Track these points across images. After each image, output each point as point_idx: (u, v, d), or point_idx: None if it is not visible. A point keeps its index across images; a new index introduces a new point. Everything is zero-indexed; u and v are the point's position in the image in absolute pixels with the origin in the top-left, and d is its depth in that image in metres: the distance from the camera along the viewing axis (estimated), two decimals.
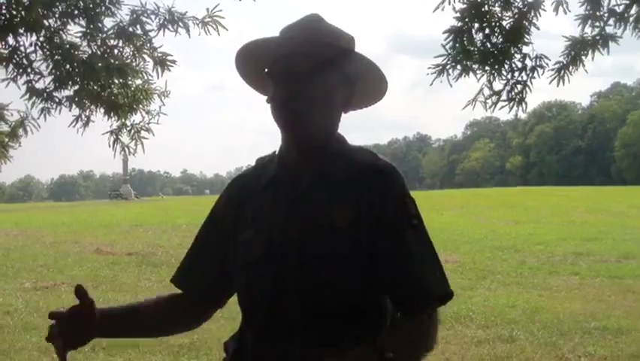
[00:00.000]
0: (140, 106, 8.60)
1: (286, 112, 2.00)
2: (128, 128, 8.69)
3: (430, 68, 7.62)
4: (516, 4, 7.65)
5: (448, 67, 7.60)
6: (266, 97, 2.10)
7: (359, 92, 2.12)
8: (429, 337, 1.95)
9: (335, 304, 1.94)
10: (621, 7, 7.38)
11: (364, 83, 2.10)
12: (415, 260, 1.95)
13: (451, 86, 7.64)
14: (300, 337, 1.93)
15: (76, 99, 8.16)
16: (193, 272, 2.31)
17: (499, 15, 7.67)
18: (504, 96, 7.80)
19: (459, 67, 7.62)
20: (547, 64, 7.68)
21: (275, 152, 2.18)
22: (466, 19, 7.56)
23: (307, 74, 1.96)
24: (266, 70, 2.08)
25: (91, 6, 7.73)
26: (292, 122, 2.01)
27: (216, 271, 2.20)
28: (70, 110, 8.25)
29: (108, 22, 7.85)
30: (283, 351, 1.94)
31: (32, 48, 7.81)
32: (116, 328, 2.21)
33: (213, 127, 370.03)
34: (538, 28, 7.64)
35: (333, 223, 1.95)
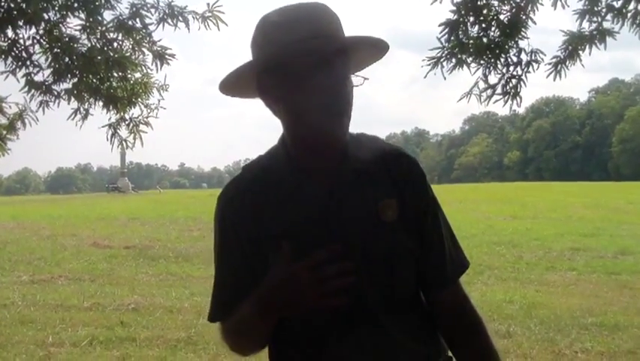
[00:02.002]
0: (139, 100, 8.60)
1: (330, 103, 1.84)
2: (126, 122, 8.70)
3: (424, 60, 7.64)
4: None
5: (442, 60, 7.62)
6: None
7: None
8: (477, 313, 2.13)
9: (409, 294, 2.02)
10: (619, 3, 7.40)
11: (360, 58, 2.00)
12: (446, 239, 2.09)
13: (445, 78, 7.68)
14: (384, 332, 1.94)
15: (75, 92, 8.16)
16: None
17: (497, 9, 7.68)
18: (499, 90, 7.82)
19: (454, 60, 7.64)
20: (542, 59, 7.71)
21: (261, 157, 2.07)
22: (462, 12, 7.57)
23: (331, 65, 1.83)
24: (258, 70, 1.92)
25: None
26: (336, 112, 1.87)
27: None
28: (69, 104, 8.26)
29: (108, 16, 7.84)
30: (372, 350, 1.94)
31: (31, 41, 7.81)
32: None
33: (211, 121, 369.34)
34: (535, 23, 7.66)
35: (381, 219, 1.93)
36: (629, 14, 7.38)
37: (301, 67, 1.83)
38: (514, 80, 7.76)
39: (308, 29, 1.83)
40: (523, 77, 7.74)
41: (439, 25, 7.57)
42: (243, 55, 2.04)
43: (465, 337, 2.08)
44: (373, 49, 1.99)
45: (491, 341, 2.11)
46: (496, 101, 7.81)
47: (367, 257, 1.89)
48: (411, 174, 2.01)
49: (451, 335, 2.10)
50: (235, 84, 2.00)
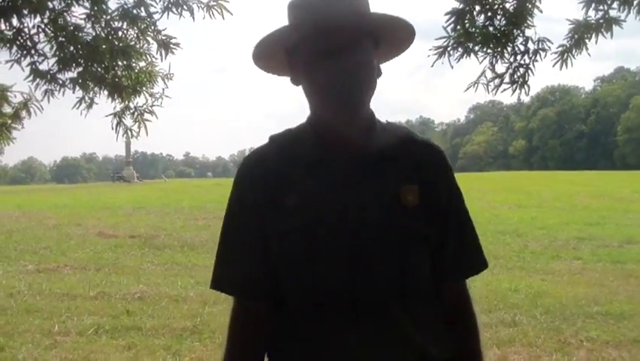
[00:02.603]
0: (144, 88, 8.58)
1: (340, 89, 1.85)
2: (131, 111, 8.68)
3: (430, 49, 7.60)
4: None
5: (449, 49, 7.58)
6: (290, 78, 2.03)
7: (382, 54, 2.04)
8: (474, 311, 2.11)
9: (420, 285, 1.96)
10: None
11: (389, 42, 2.02)
12: (470, 232, 2.10)
13: (452, 67, 7.61)
14: (389, 322, 1.91)
15: (80, 81, 8.14)
16: (257, 275, 2.00)
17: None
18: (506, 79, 7.78)
19: (460, 49, 7.60)
20: (549, 47, 7.66)
21: (290, 130, 2.07)
22: (468, 1, 7.53)
23: (352, 48, 1.86)
24: (288, 49, 1.97)
25: None
26: (347, 99, 1.87)
27: (268, 267, 1.98)
28: (73, 92, 8.24)
29: (112, 4, 7.82)
30: (374, 339, 1.90)
31: (36, 30, 7.80)
32: None
33: (216, 110, 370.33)
34: (541, 11, 7.61)
35: (402, 203, 1.91)
36: (635, 2, 7.34)
37: (320, 48, 1.85)
38: (521, 69, 7.72)
39: (330, 11, 1.85)
40: (530, 66, 7.70)
41: (445, 14, 7.54)
42: (249, 44, 2.04)
43: (459, 335, 2.08)
44: (400, 32, 1.99)
45: (481, 346, 2.12)
46: (504, 90, 7.78)
47: (381, 240, 1.88)
48: (437, 164, 2.01)
49: (456, 327, 2.10)
50: (269, 62, 2.04)
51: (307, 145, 1.97)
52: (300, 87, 1.99)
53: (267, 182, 1.96)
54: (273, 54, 1.99)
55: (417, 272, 1.94)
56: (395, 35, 2.00)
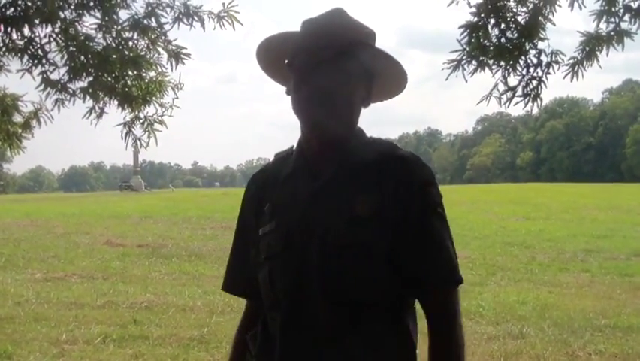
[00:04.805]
0: (154, 98, 8.60)
1: (309, 107, 2.00)
2: (141, 121, 8.70)
3: (445, 63, 7.60)
4: None
5: (463, 62, 7.58)
6: (285, 88, 2.15)
7: (378, 86, 2.13)
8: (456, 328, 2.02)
9: (357, 293, 1.95)
10: (637, 4, 7.35)
11: (383, 77, 2.12)
12: (435, 247, 1.99)
13: (466, 81, 7.61)
14: (325, 327, 1.95)
15: (91, 91, 8.16)
16: (241, 274, 2.25)
17: (515, 10, 7.64)
18: (519, 92, 7.77)
19: (474, 62, 7.60)
20: (562, 59, 7.66)
21: (293, 146, 2.18)
22: (482, 14, 7.53)
23: (326, 67, 1.96)
24: (286, 61, 2.10)
25: None
26: (315, 117, 2.00)
27: (249, 269, 2.18)
28: (84, 102, 8.26)
29: (123, 15, 7.86)
30: (311, 341, 1.96)
31: (47, 39, 7.83)
32: None
33: (224, 119, 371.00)
34: (553, 24, 7.62)
35: (355, 212, 1.95)
36: None
37: (305, 69, 2.01)
38: (534, 82, 7.71)
39: (318, 31, 2.03)
40: (543, 79, 7.70)
41: (459, 28, 7.55)
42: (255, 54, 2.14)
43: (431, 349, 2.02)
44: (392, 69, 2.13)
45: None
46: (517, 103, 7.78)
47: (325, 248, 1.95)
48: (403, 176, 1.98)
49: (429, 341, 2.04)
50: (270, 65, 2.21)
51: (291, 159, 2.15)
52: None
53: (256, 195, 2.21)
54: (277, 60, 2.16)
55: (355, 278, 1.94)
56: (387, 72, 2.13)
